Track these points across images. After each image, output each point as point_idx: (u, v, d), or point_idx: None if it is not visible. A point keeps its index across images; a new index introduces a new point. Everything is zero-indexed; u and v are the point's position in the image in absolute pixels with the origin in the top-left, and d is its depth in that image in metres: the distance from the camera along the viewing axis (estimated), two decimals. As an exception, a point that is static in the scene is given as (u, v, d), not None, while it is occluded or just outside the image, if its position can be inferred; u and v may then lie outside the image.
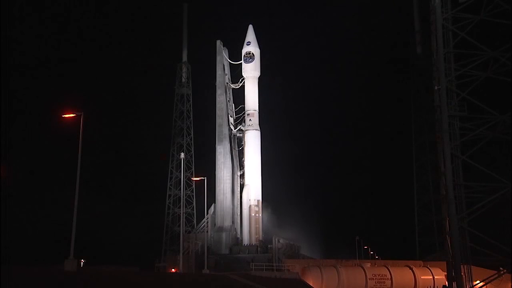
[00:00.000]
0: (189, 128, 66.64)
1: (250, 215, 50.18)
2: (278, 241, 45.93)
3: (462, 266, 30.77)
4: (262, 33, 56.31)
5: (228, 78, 56.07)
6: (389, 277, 43.62)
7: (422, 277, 45.13)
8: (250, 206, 50.32)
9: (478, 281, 32.04)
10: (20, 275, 21.07)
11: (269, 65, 60.09)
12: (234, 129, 54.64)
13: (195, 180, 56.24)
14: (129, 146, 78.08)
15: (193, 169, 64.62)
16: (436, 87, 33.10)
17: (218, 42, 56.07)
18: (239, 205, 52.57)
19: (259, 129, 53.06)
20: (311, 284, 39.52)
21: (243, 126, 53.88)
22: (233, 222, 51.70)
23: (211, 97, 55.45)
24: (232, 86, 55.83)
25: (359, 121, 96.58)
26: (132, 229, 66.81)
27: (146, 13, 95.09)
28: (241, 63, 54.39)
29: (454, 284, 31.04)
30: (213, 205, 52.17)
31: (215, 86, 55.09)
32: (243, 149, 53.79)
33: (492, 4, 32.90)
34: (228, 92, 55.46)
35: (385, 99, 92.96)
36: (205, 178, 43.64)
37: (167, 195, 64.29)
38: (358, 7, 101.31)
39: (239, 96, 55.56)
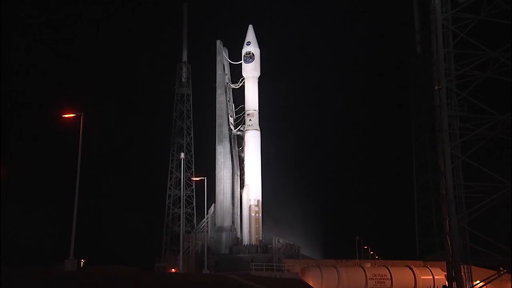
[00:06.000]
0: (189, 128, 66.63)
1: (250, 215, 50.22)
2: (278, 241, 45.96)
3: (462, 266, 30.76)
4: (262, 33, 56.38)
5: (228, 78, 56.10)
6: (389, 277, 43.61)
7: (422, 277, 45.11)
8: (250, 206, 50.36)
9: (478, 281, 32.02)
10: (20, 275, 21.08)
11: (269, 65, 60.11)
12: (234, 129, 54.67)
13: (195, 180, 56.27)
14: (129, 146, 78.08)
15: (193, 169, 64.62)
16: (436, 87, 33.07)
17: (218, 42, 56.12)
18: (239, 205, 52.60)
19: (259, 129, 53.07)
20: (311, 284, 39.51)
21: (243, 126, 53.92)
22: (233, 222, 51.74)
23: (211, 97, 55.54)
24: (232, 86, 55.87)
25: (359, 121, 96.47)
26: (132, 229, 66.84)
27: (146, 13, 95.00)
28: (241, 63, 54.42)
29: (454, 284, 31.02)
30: (213, 205, 52.21)
31: (215, 86, 55.14)
32: (243, 149, 53.82)
33: (492, 4, 32.87)
34: (228, 92, 55.50)
35: (385, 99, 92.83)
36: (205, 178, 43.72)
37: (167, 195, 64.28)
38: (358, 7, 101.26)
39: (239, 96, 55.63)
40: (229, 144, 53.42)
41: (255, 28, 55.13)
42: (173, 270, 44.85)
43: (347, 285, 41.56)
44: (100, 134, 66.69)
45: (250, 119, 52.92)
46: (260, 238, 49.57)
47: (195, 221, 62.22)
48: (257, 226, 50.05)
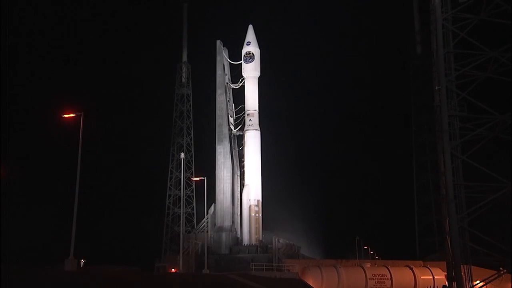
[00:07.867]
0: (189, 128, 66.65)
1: (250, 215, 50.20)
2: (278, 241, 45.95)
3: (462, 266, 30.75)
4: (262, 33, 56.39)
5: (228, 78, 56.07)
6: (389, 277, 43.63)
7: (422, 277, 45.14)
8: (250, 206, 50.34)
9: (478, 281, 32.02)
10: (20, 275, 21.09)
11: (269, 65, 60.11)
12: (234, 129, 54.67)
13: (195, 180, 56.27)
14: (129, 146, 78.06)
15: (193, 169, 64.63)
16: (436, 87, 33.06)
17: (218, 42, 56.10)
18: (239, 205, 52.59)
19: (259, 129, 53.06)
20: (311, 284, 39.52)
21: (243, 126, 53.91)
22: (233, 222, 51.71)
23: (211, 97, 55.54)
24: (232, 86, 55.85)
25: (359, 121, 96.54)
26: (132, 229, 66.84)
27: (146, 13, 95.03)
28: (241, 63, 54.41)
29: (454, 284, 31.01)
30: (213, 205, 52.19)
31: (215, 86, 55.14)
32: (243, 149, 53.80)
33: (492, 4, 32.86)
34: (228, 92, 55.48)
35: (385, 99, 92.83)
36: (205, 178, 43.72)
37: (167, 195, 64.29)
38: (358, 7, 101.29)
39: (239, 96, 55.62)
40: (229, 144, 53.40)
41: (255, 28, 55.17)
42: (173, 270, 44.83)
43: (347, 285, 41.57)
44: (100, 134, 66.68)
45: (250, 119, 52.90)
46: (260, 238, 49.53)
47: (195, 221, 62.23)
48: (257, 226, 50.02)
